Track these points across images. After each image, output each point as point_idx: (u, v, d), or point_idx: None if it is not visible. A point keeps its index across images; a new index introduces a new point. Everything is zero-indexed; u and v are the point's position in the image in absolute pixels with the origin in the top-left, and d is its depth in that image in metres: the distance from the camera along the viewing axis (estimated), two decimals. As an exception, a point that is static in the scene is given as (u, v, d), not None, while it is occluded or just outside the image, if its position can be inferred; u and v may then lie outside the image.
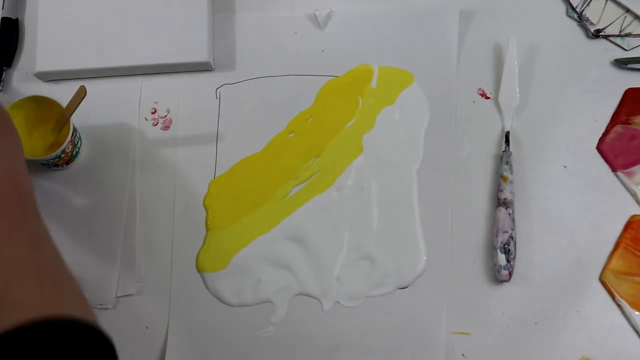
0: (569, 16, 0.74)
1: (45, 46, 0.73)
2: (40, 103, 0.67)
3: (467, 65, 0.73)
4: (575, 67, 0.73)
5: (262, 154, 0.72)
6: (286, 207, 0.70)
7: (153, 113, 0.74)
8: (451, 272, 0.67)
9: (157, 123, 0.74)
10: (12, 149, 0.51)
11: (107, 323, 0.66)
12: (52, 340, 0.39)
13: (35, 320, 0.39)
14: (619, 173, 0.69)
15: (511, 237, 0.66)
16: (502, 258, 0.65)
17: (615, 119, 0.71)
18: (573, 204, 0.69)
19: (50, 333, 0.40)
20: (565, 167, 0.70)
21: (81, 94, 0.65)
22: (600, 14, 0.73)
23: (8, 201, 0.47)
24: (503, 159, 0.69)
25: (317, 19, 0.75)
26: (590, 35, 0.73)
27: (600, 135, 0.71)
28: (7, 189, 0.48)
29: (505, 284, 0.66)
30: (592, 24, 0.73)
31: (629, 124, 0.70)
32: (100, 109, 0.73)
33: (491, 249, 0.67)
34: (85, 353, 0.40)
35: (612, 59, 0.72)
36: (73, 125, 0.67)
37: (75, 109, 0.66)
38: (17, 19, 0.76)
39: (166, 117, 0.74)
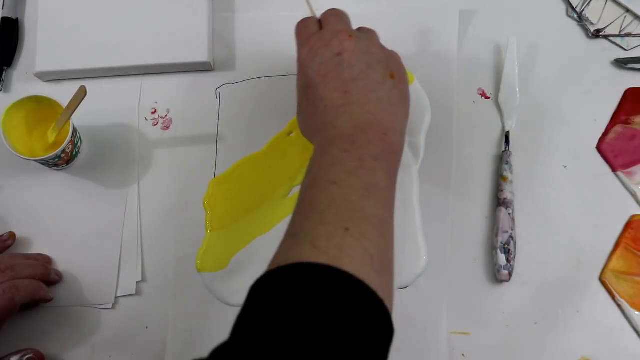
0: (569, 16, 0.74)
1: (45, 46, 0.73)
2: (40, 103, 0.67)
3: (467, 65, 0.73)
4: (575, 67, 0.73)
5: (262, 154, 0.72)
6: (286, 206, 0.70)
7: (153, 113, 0.74)
8: (451, 272, 0.67)
9: (157, 123, 0.73)
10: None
11: (107, 323, 0.68)
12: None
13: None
14: (619, 173, 0.69)
15: (511, 237, 0.66)
16: (502, 258, 0.65)
17: (615, 119, 0.71)
18: (573, 204, 0.69)
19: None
20: (565, 167, 0.70)
21: (81, 94, 0.65)
22: (600, 14, 0.73)
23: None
24: (503, 159, 0.69)
25: (317, 19, 0.74)
26: (590, 35, 0.73)
27: (600, 135, 0.71)
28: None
29: (505, 284, 0.66)
30: (592, 24, 0.73)
31: (629, 124, 0.70)
32: (100, 109, 0.73)
33: (491, 249, 0.67)
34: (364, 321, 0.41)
35: (612, 59, 0.72)
36: (73, 125, 0.67)
37: (75, 109, 0.66)
38: (17, 19, 0.76)
39: (166, 117, 0.74)
